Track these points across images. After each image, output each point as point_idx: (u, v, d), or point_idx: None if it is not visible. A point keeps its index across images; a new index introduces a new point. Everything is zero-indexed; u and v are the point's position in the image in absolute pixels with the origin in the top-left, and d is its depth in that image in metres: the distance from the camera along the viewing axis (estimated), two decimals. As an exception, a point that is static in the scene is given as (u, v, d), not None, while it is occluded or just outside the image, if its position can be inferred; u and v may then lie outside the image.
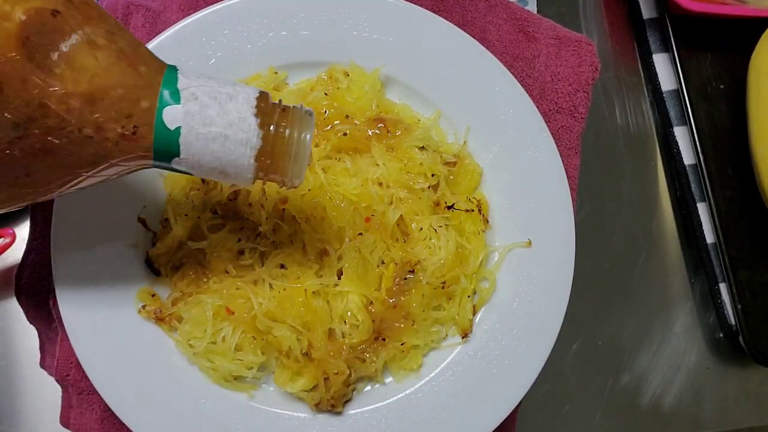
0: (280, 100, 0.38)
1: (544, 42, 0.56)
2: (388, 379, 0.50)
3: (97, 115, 0.33)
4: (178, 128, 0.34)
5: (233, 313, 0.47)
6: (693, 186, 0.61)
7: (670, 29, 0.61)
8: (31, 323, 0.51)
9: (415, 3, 0.52)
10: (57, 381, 0.50)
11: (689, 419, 0.60)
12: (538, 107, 0.52)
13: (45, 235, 0.49)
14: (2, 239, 0.51)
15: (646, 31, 0.63)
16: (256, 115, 0.35)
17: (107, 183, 0.38)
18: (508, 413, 0.49)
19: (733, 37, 0.61)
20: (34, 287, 0.50)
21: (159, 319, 0.48)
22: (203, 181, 0.49)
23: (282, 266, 0.48)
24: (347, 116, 0.50)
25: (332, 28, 0.51)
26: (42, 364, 0.52)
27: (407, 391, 0.49)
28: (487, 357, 0.50)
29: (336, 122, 0.50)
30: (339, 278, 0.48)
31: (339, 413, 0.49)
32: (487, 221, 0.51)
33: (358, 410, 0.49)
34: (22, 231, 0.52)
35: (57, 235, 0.47)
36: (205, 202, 0.49)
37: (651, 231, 0.62)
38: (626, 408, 0.60)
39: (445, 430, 0.49)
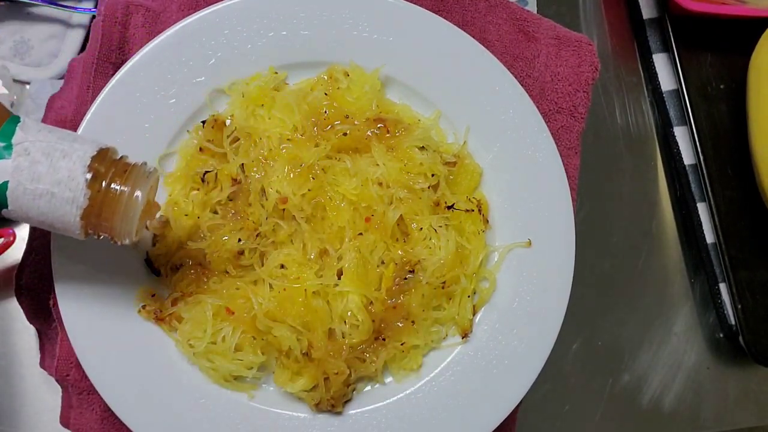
0: (122, 157, 0.38)
1: (544, 42, 0.56)
2: (388, 379, 0.50)
3: None
4: (6, 182, 0.35)
5: (233, 313, 0.47)
6: (693, 186, 0.61)
7: (670, 29, 0.61)
8: (31, 323, 0.51)
9: (415, 3, 0.52)
10: (57, 381, 0.50)
11: (689, 419, 0.60)
12: (538, 107, 0.52)
13: (45, 235, 0.49)
14: (2, 239, 0.51)
15: (646, 31, 0.63)
16: (87, 174, 0.36)
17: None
18: (508, 413, 0.49)
19: (733, 37, 0.61)
20: (34, 287, 0.50)
21: (159, 319, 0.48)
22: (203, 181, 0.49)
23: (282, 266, 0.48)
24: (347, 116, 0.50)
25: (332, 28, 0.51)
26: (42, 364, 0.52)
27: (407, 391, 0.50)
28: (487, 357, 0.50)
29: (336, 122, 0.50)
30: (339, 278, 0.48)
31: (339, 413, 0.49)
32: (487, 221, 0.51)
33: (358, 410, 0.49)
34: (22, 231, 0.52)
35: (57, 235, 0.47)
36: (205, 202, 0.49)
37: (651, 231, 0.62)
38: (626, 408, 0.60)
39: (445, 430, 0.49)
